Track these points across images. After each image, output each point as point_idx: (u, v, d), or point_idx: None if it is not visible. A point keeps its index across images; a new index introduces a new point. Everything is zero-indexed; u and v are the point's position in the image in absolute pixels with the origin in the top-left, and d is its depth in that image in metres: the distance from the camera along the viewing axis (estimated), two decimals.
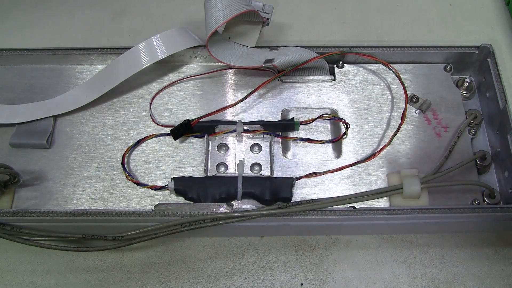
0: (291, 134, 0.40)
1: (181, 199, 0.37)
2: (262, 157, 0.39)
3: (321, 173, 0.37)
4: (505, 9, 0.51)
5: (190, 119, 0.39)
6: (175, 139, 0.39)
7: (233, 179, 0.36)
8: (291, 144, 0.40)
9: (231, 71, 0.43)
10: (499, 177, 0.39)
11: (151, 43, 0.40)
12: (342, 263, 0.37)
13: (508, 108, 0.38)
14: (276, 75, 0.41)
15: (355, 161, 0.38)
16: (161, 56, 0.40)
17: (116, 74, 0.41)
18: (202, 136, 0.39)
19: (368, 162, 0.38)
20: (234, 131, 0.39)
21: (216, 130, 0.39)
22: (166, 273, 0.37)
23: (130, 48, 0.41)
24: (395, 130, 0.38)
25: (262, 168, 0.38)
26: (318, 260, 0.37)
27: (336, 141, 0.39)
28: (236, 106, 0.40)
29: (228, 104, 0.40)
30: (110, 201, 0.38)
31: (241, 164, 0.38)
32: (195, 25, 0.49)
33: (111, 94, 0.41)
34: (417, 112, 0.41)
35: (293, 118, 0.40)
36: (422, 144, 0.39)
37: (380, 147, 0.38)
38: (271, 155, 0.39)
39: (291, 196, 0.36)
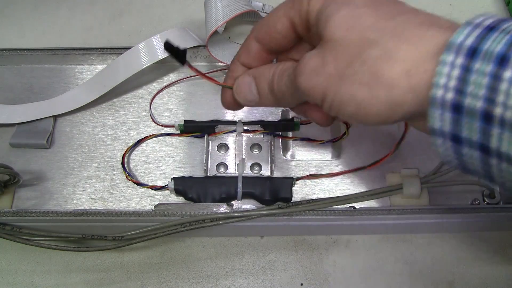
0: (291, 134, 0.40)
1: (181, 199, 0.37)
2: (262, 157, 0.39)
3: (321, 175, 0.38)
4: (505, 9, 0.51)
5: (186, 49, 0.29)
6: (165, 48, 0.28)
7: (233, 179, 0.36)
8: (291, 144, 0.40)
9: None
10: None
11: (151, 43, 0.40)
12: (342, 263, 0.37)
13: None
14: None
15: (357, 167, 0.38)
16: (161, 56, 0.40)
17: (116, 74, 0.41)
18: (202, 136, 0.39)
19: (368, 161, 0.38)
20: (234, 131, 0.39)
21: (216, 130, 0.39)
22: (166, 273, 0.37)
23: (130, 48, 0.41)
24: (400, 137, 0.38)
25: (262, 168, 0.38)
26: (318, 260, 0.37)
27: (337, 141, 0.39)
28: None
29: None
30: (110, 201, 0.38)
31: (241, 164, 0.38)
32: (195, 25, 0.49)
33: (111, 94, 0.41)
34: None
35: (293, 118, 0.40)
36: (422, 144, 0.39)
37: (382, 155, 0.38)
38: (271, 155, 0.39)
39: (291, 196, 0.36)
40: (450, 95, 0.20)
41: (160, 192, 0.38)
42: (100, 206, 0.37)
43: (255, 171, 0.38)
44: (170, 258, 0.38)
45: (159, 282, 0.37)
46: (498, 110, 0.18)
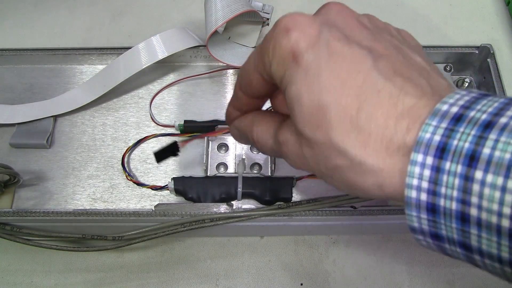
0: None
1: (181, 199, 0.37)
2: (262, 157, 0.39)
3: None
4: (505, 9, 0.51)
5: (177, 141, 0.36)
6: (158, 162, 0.36)
7: (233, 179, 0.36)
8: None
9: (231, 71, 0.43)
10: None
11: (151, 43, 0.40)
12: (342, 263, 0.37)
13: None
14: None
15: None
16: (161, 56, 0.40)
17: (116, 74, 0.41)
18: (202, 136, 0.39)
19: None
20: None
21: (216, 130, 0.39)
22: (166, 273, 0.37)
23: (130, 48, 0.41)
24: None
25: (262, 168, 0.38)
26: (318, 260, 0.37)
27: None
28: None
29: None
30: (110, 201, 0.38)
31: (241, 164, 0.38)
32: (195, 25, 0.49)
33: (111, 94, 0.41)
34: None
35: None
36: None
37: None
38: None
39: (291, 196, 0.36)
40: (424, 197, 0.19)
41: (160, 192, 0.38)
42: (100, 206, 0.37)
43: (255, 171, 0.38)
44: (170, 258, 0.38)
45: (159, 282, 0.37)
46: (473, 212, 0.18)
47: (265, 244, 0.38)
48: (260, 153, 0.39)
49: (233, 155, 0.39)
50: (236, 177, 0.36)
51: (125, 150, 0.39)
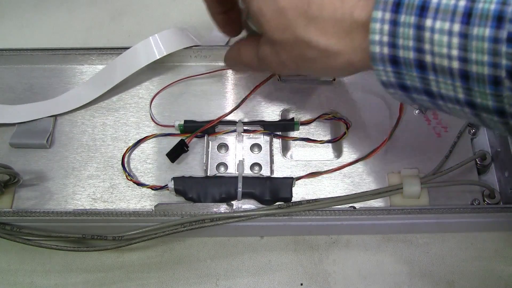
0: (291, 134, 0.40)
1: (181, 199, 0.37)
2: (262, 157, 0.39)
3: (321, 172, 0.38)
4: None
5: (183, 138, 0.38)
6: (172, 161, 0.38)
7: (233, 179, 0.36)
8: (291, 144, 0.40)
9: (231, 71, 0.43)
10: (499, 177, 0.39)
11: (149, 43, 0.40)
12: (342, 263, 0.37)
13: None
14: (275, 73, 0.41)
15: (356, 159, 0.38)
16: (159, 55, 0.40)
17: (115, 74, 0.40)
18: (202, 136, 0.39)
19: (368, 160, 0.38)
20: (234, 131, 0.39)
21: (216, 130, 0.39)
22: (166, 273, 0.37)
23: (130, 48, 0.41)
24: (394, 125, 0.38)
25: (262, 168, 0.38)
26: (318, 260, 0.37)
27: (336, 141, 0.39)
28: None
29: (227, 111, 0.40)
30: (110, 201, 0.38)
31: (241, 164, 0.38)
32: (195, 25, 0.49)
33: (111, 94, 0.41)
34: (417, 112, 0.41)
35: (293, 118, 0.40)
36: (422, 144, 0.39)
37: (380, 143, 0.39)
38: (271, 155, 0.39)
39: (291, 196, 0.36)
40: (386, 50, 0.21)
41: (160, 192, 0.38)
42: (100, 206, 0.37)
43: (255, 171, 0.38)
44: (170, 258, 0.38)
45: (159, 282, 0.37)
46: (428, 58, 0.20)
47: (265, 244, 0.38)
48: (260, 153, 0.39)
49: (233, 155, 0.39)
50: (236, 177, 0.36)
51: (125, 150, 0.39)
